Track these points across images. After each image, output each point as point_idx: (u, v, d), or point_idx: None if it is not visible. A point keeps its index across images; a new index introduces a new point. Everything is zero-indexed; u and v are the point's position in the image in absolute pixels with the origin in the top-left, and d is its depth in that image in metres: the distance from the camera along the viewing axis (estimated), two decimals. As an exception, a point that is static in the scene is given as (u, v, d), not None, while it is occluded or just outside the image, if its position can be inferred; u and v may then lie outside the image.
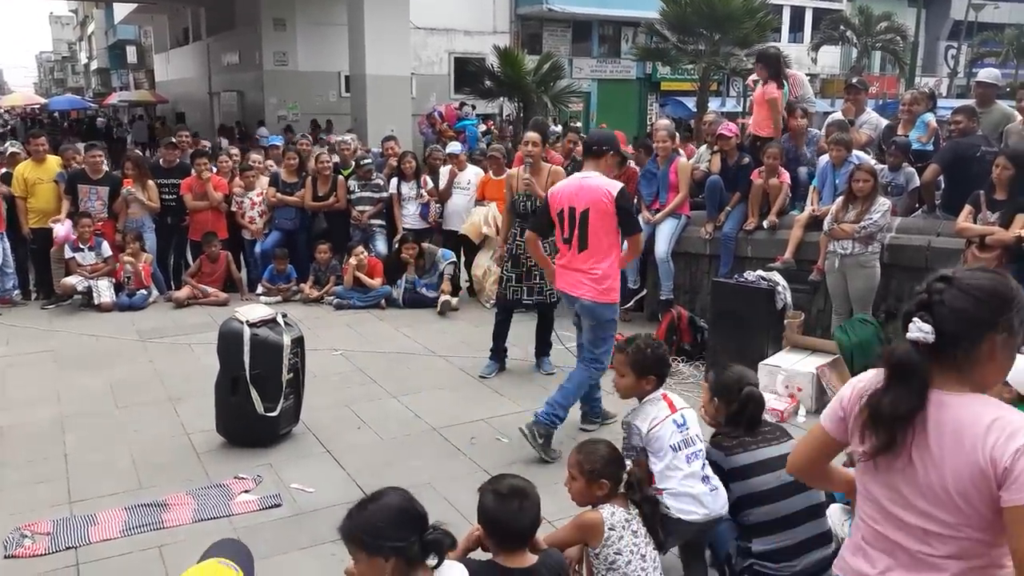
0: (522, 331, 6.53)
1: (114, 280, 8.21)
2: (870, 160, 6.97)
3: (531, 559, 2.62)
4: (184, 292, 8.28)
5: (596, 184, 4.53)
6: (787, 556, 3.07)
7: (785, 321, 5.99)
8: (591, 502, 2.94)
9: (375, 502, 2.23)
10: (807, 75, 8.80)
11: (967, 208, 5.74)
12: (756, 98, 7.49)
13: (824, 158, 6.77)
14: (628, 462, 2.96)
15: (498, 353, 6.17)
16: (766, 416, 3.45)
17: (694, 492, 3.08)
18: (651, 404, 3.17)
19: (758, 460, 3.11)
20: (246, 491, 4.29)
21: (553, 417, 4.60)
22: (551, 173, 5.95)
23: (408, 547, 2.16)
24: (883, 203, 5.97)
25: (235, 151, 10.28)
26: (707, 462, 3.18)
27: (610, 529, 2.87)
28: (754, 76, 7.64)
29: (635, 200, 7.48)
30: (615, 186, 4.55)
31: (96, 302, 8.03)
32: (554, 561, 2.71)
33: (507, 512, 2.55)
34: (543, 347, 6.24)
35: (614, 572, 2.88)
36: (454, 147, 9.24)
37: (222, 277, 8.58)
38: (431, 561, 2.20)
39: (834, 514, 3.45)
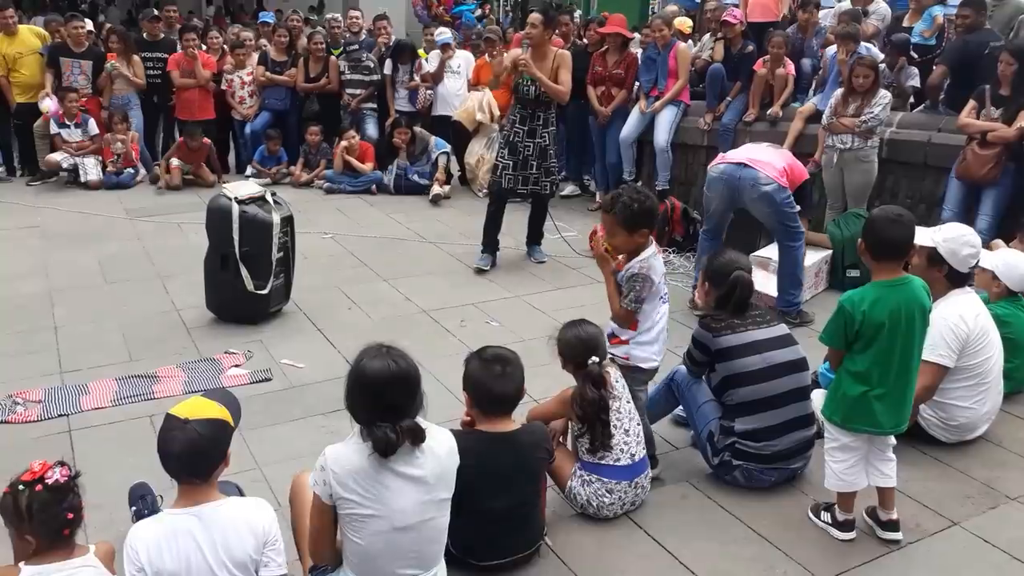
0: (512, 220, 6.48)
1: (101, 159, 8.05)
2: (877, 53, 6.79)
3: (513, 425, 2.67)
4: (174, 177, 7.99)
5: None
6: (769, 435, 3.13)
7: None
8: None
9: (374, 361, 2.27)
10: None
11: (971, 103, 5.62)
12: None
13: (832, 49, 6.57)
14: (595, 358, 2.94)
15: (491, 245, 6.01)
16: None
17: (660, 341, 3.21)
18: (655, 259, 3.15)
19: (745, 342, 3.13)
20: (236, 365, 4.33)
21: (794, 303, 4.92)
22: (556, 57, 5.68)
23: (373, 430, 2.21)
24: (883, 95, 5.83)
25: (236, 28, 9.89)
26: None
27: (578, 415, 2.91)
28: None
29: (635, 88, 7.34)
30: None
31: (83, 180, 7.90)
32: (536, 428, 2.78)
33: (490, 376, 2.61)
34: (535, 235, 6.16)
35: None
36: (444, 36, 8.90)
37: (202, 158, 8.26)
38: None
39: (817, 399, 3.51)
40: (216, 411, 2.19)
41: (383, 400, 2.22)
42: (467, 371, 2.66)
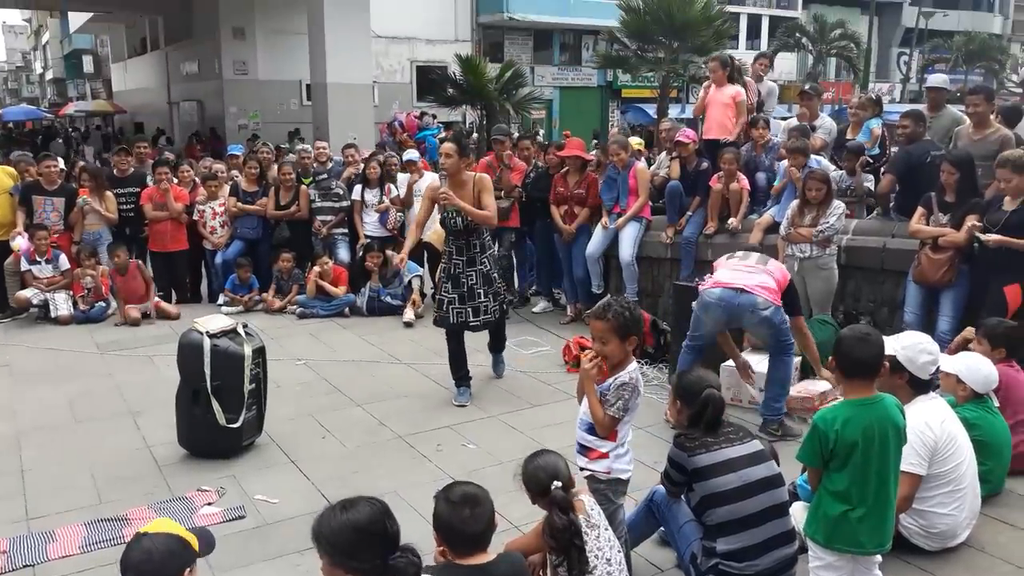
0: (486, 337, 6.54)
1: (72, 294, 8.05)
2: (828, 165, 7.11)
3: (488, 557, 2.63)
4: (133, 312, 7.91)
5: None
6: (751, 555, 3.10)
7: (746, 323, 6.06)
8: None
9: (346, 512, 2.22)
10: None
11: (919, 210, 5.87)
12: (711, 100, 7.57)
13: (785, 163, 6.87)
14: (557, 483, 2.92)
15: (464, 379, 5.76)
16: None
17: (631, 454, 3.27)
18: (638, 371, 3.21)
19: (720, 460, 3.14)
20: (209, 503, 4.23)
21: (780, 412, 5.00)
22: (476, 182, 5.52)
23: (370, 569, 2.16)
24: (837, 206, 6.08)
25: (210, 161, 10.13)
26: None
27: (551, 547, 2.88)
28: (711, 74, 7.70)
29: (597, 207, 7.58)
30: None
31: (53, 315, 7.87)
32: (513, 559, 2.72)
33: (459, 518, 2.56)
34: (497, 343, 6.10)
35: None
36: (411, 154, 9.21)
37: (142, 288, 8.13)
38: None
39: (797, 512, 3.51)
40: (179, 530, 2.18)
41: (384, 534, 2.21)
42: (436, 511, 2.63)
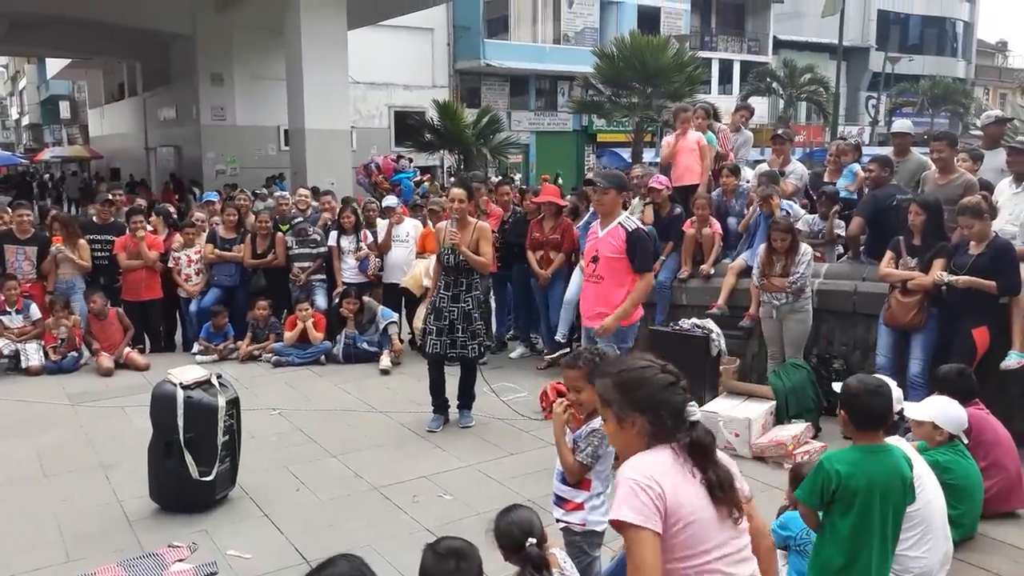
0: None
1: (44, 344, 7.96)
2: (799, 210, 7.24)
3: None
4: (106, 362, 7.86)
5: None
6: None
7: (720, 367, 6.11)
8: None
9: (324, 570, 2.20)
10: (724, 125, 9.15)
11: (888, 254, 5.97)
12: (680, 148, 7.71)
13: (755, 207, 6.99)
14: (531, 540, 2.89)
15: (441, 406, 6.14)
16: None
17: (606, 505, 3.20)
18: None
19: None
20: (180, 560, 4.15)
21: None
22: (476, 229, 5.93)
23: None
24: (805, 252, 6.19)
25: (171, 208, 10.13)
26: None
27: None
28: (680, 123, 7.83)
29: (573, 253, 7.65)
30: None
31: (24, 366, 7.76)
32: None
33: (445, 572, 2.54)
34: (465, 398, 6.21)
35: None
36: (390, 201, 9.29)
37: (119, 336, 8.15)
38: None
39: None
40: None
41: None
42: (422, 565, 2.60)
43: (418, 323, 8.19)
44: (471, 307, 5.92)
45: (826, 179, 7.93)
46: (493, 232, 7.90)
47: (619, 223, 5.22)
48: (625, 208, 8.35)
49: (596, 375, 2.95)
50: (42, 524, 4.60)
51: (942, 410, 4.13)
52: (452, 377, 6.18)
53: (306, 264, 8.63)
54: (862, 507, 2.87)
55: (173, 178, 23.99)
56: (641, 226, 5.29)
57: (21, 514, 4.74)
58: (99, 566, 4.07)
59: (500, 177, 13.77)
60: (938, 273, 5.55)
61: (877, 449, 2.95)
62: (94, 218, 8.92)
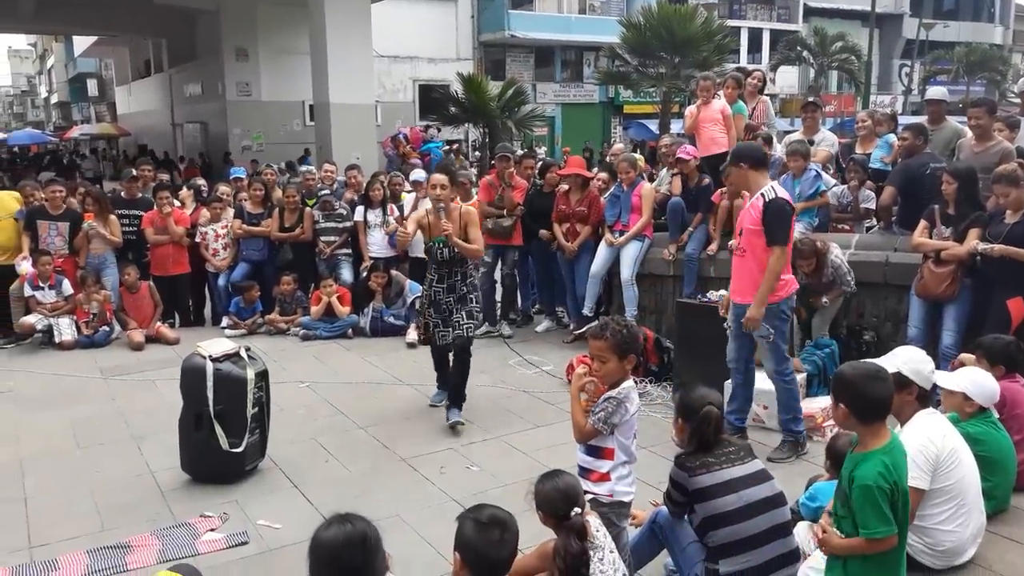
0: (489, 357, 6.53)
1: (76, 319, 8.08)
2: (829, 179, 7.12)
3: None
4: (137, 336, 8.00)
5: None
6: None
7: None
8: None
9: (319, 531, 2.24)
10: (767, 95, 8.96)
11: (922, 223, 5.86)
12: (703, 118, 7.57)
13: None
14: (577, 510, 2.90)
15: (446, 382, 5.89)
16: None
17: (633, 475, 3.25)
18: (634, 392, 3.19)
19: (720, 481, 3.12)
20: (212, 529, 4.22)
21: (793, 430, 5.03)
22: (462, 215, 5.56)
23: None
24: (832, 264, 6.07)
25: (201, 181, 10.19)
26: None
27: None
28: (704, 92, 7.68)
29: (599, 226, 7.60)
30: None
31: (57, 340, 7.89)
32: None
33: (488, 542, 2.53)
34: (456, 396, 5.68)
35: (582, 599, 2.87)
36: (418, 175, 9.26)
37: (150, 310, 8.30)
38: None
39: (801, 531, 3.49)
40: None
41: (341, 566, 2.19)
42: (462, 533, 2.58)
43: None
44: (467, 291, 5.64)
45: (857, 150, 7.78)
46: (518, 206, 7.90)
47: (761, 193, 4.79)
48: (651, 179, 8.33)
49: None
50: (76, 495, 4.69)
51: (974, 381, 4.06)
52: (482, 351, 6.17)
53: (332, 238, 8.65)
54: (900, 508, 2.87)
55: (202, 157, 24.14)
56: (782, 195, 4.80)
57: (56, 485, 4.83)
58: (133, 535, 4.15)
59: (525, 151, 13.69)
60: (973, 242, 5.44)
61: (892, 445, 2.82)
62: (122, 193, 8.99)
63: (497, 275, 8.19)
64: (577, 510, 2.86)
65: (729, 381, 5.28)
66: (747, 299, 4.87)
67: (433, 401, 5.98)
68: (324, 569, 2.21)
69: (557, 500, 2.86)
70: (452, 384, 5.69)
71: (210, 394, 4.65)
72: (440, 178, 5.45)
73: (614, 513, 3.12)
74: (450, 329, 5.60)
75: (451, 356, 5.74)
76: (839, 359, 5.82)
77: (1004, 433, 4.07)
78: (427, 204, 8.24)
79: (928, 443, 3.47)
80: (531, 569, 2.93)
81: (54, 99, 57.39)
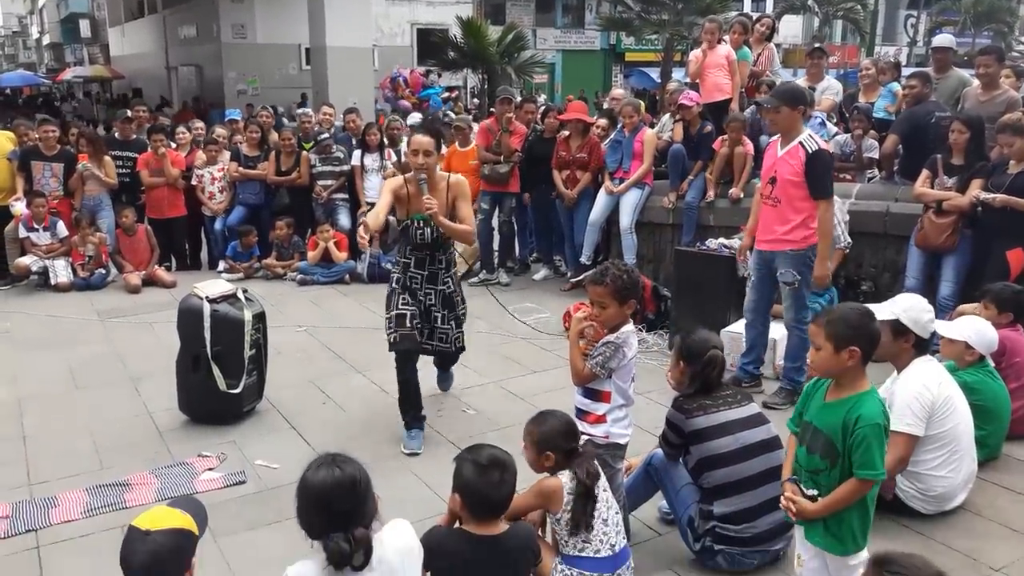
0: (486, 305, 6.54)
1: (71, 261, 8.04)
2: (831, 127, 7.04)
3: (502, 527, 2.63)
4: (133, 279, 7.96)
5: None
6: (748, 517, 3.12)
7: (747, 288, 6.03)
8: (540, 471, 2.96)
9: (318, 472, 2.24)
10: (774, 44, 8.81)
11: (924, 173, 5.81)
12: (707, 64, 7.45)
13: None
14: (582, 440, 2.96)
15: (416, 419, 4.54)
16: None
17: (629, 418, 3.24)
18: (633, 336, 3.17)
19: (717, 423, 3.14)
20: (210, 469, 4.25)
21: (794, 379, 4.96)
22: (451, 186, 4.44)
23: (309, 532, 2.21)
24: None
25: (199, 124, 10.06)
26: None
27: (569, 494, 2.89)
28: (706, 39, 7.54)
29: (599, 173, 7.53)
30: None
31: (53, 282, 7.87)
32: (523, 531, 2.73)
33: (487, 483, 2.56)
34: (415, 417, 4.50)
35: (576, 536, 2.91)
36: (415, 118, 9.16)
37: (147, 253, 8.29)
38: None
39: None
40: (180, 520, 2.15)
41: (331, 509, 2.18)
42: (461, 474, 2.60)
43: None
44: (452, 289, 4.59)
45: (860, 99, 7.68)
46: (516, 152, 7.80)
47: (800, 142, 4.67)
48: (651, 127, 8.22)
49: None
50: (76, 434, 4.71)
51: (976, 330, 4.07)
52: (476, 299, 6.15)
53: (329, 182, 8.58)
54: None
55: (196, 101, 23.80)
56: (823, 145, 4.71)
57: (54, 424, 4.85)
58: (132, 474, 4.18)
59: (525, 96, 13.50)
60: (975, 192, 5.40)
61: (874, 388, 2.77)
62: (115, 134, 8.88)
63: (495, 222, 8.14)
64: (583, 439, 2.92)
65: (727, 328, 5.28)
66: (775, 247, 4.85)
67: (409, 448, 4.43)
68: (312, 512, 2.21)
69: (560, 437, 2.90)
70: (413, 404, 4.48)
71: (207, 335, 4.65)
72: (424, 142, 4.27)
73: (609, 454, 3.14)
74: (426, 330, 4.52)
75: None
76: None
77: (1000, 383, 4.09)
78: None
79: (924, 390, 3.49)
80: (528, 508, 2.96)
81: (46, 40, 56.38)
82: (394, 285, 4.51)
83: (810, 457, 2.75)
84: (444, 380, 5.20)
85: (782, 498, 2.80)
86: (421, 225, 4.38)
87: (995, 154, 5.65)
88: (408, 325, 4.37)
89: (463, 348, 4.79)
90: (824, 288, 4.93)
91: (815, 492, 2.72)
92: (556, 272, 8.33)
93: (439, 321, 4.54)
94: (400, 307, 4.41)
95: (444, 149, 7.83)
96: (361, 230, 4.18)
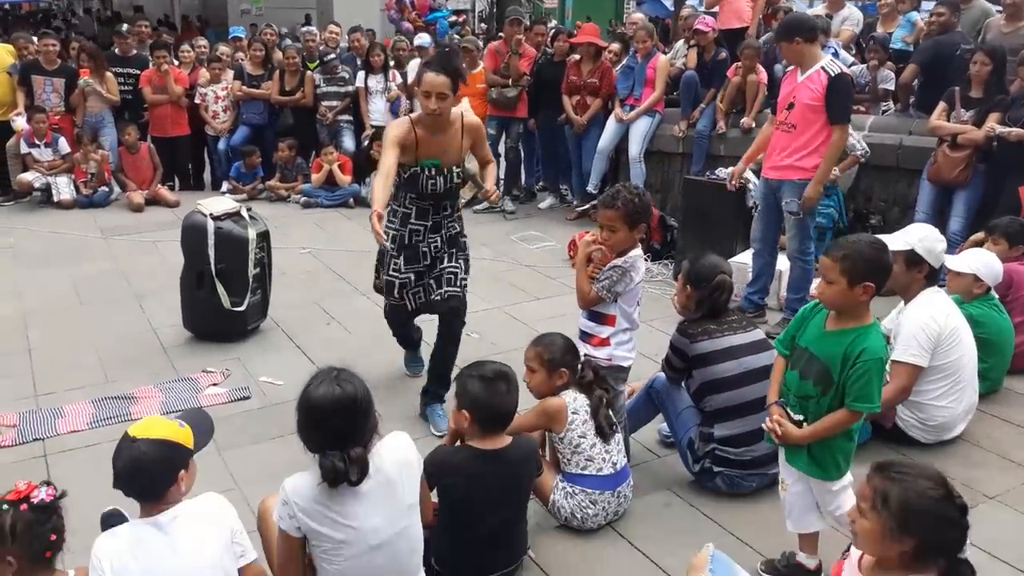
0: (491, 232, 6.48)
1: (74, 177, 7.97)
2: (847, 57, 6.88)
3: (505, 440, 2.66)
4: (136, 197, 7.92)
5: None
6: (747, 441, 3.14)
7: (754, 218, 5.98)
8: (551, 392, 2.97)
9: (319, 388, 2.22)
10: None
11: (941, 105, 5.69)
12: None
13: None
14: (582, 355, 3.03)
15: (414, 344, 4.43)
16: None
17: (633, 342, 3.23)
18: (640, 261, 3.14)
19: (721, 348, 3.14)
20: (214, 384, 4.29)
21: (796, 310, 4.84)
22: (467, 129, 3.80)
23: (310, 447, 2.24)
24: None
25: (203, 42, 9.85)
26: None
27: (573, 413, 2.92)
28: None
29: (609, 100, 7.38)
30: None
31: (56, 199, 7.82)
32: (526, 444, 2.77)
33: (495, 394, 2.61)
34: (439, 385, 3.95)
35: (578, 455, 2.94)
36: (422, 39, 8.94)
37: (149, 172, 8.19)
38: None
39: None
40: (171, 432, 2.14)
41: (329, 427, 2.18)
42: (466, 389, 2.62)
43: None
44: (459, 230, 3.99)
45: (879, 29, 7.49)
46: (524, 75, 7.63)
47: (822, 67, 4.53)
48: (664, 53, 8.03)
49: None
50: (80, 348, 4.74)
51: (984, 263, 4.03)
52: (481, 225, 6.10)
53: (333, 103, 8.44)
54: None
55: (199, 19, 23.29)
56: (847, 71, 4.58)
57: (59, 338, 4.88)
58: (137, 387, 4.21)
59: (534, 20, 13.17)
60: (990, 125, 5.30)
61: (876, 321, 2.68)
62: (115, 50, 8.71)
63: (501, 149, 8.03)
64: (584, 353, 3.03)
65: (735, 258, 5.25)
66: (783, 174, 4.74)
67: (409, 370, 4.44)
68: (311, 428, 2.22)
69: (570, 353, 3.00)
70: (435, 365, 3.98)
71: (211, 252, 4.63)
72: (438, 82, 3.52)
73: (612, 377, 3.15)
74: (432, 283, 3.90)
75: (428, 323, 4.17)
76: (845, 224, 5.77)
77: (1005, 316, 4.07)
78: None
79: (931, 321, 3.47)
80: (531, 428, 2.98)
81: (45, -46, 54.91)
82: (391, 248, 3.89)
83: (802, 383, 2.66)
84: (432, 415, 3.93)
85: (767, 420, 2.70)
86: (433, 173, 3.74)
87: (1015, 88, 5.53)
88: (396, 295, 3.90)
89: (466, 299, 3.95)
90: (810, 211, 4.76)
91: (801, 418, 2.65)
92: (562, 201, 8.25)
93: (446, 260, 3.88)
94: (391, 273, 3.90)
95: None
96: (374, 220, 3.50)
